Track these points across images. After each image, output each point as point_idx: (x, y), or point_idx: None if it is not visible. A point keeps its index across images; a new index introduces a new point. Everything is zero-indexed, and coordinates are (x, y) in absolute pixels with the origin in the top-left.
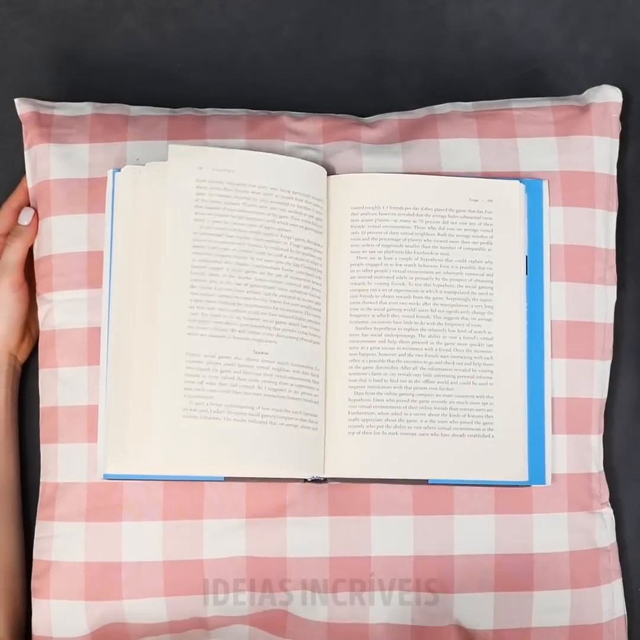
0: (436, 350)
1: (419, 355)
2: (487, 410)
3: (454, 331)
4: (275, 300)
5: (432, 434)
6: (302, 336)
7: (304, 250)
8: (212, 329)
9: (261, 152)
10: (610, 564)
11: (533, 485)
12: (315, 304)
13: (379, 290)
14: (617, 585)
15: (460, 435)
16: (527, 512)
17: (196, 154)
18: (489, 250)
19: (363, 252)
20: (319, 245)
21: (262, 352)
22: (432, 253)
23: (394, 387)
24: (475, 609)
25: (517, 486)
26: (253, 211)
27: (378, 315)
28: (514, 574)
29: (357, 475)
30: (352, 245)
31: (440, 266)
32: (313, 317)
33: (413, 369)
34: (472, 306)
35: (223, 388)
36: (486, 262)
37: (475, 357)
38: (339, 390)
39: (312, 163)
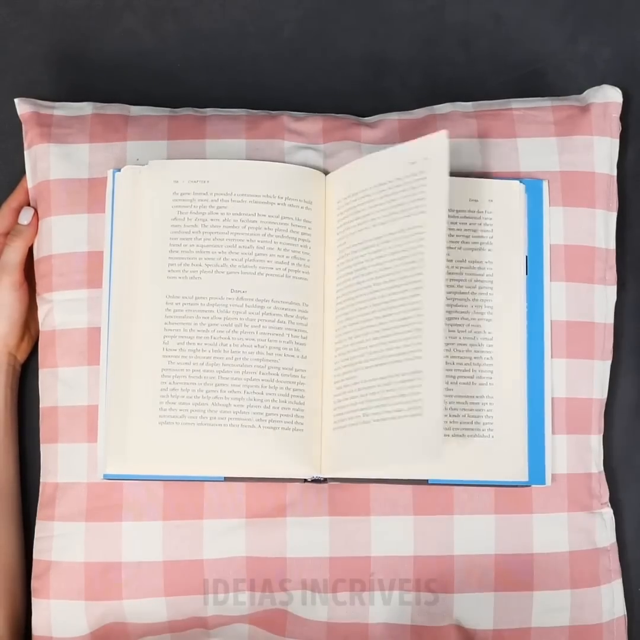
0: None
1: None
2: (487, 411)
3: (454, 331)
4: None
5: None
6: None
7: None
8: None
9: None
10: (610, 564)
11: (533, 485)
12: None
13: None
14: (617, 585)
15: (461, 435)
16: (527, 512)
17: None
18: (489, 250)
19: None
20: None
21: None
22: None
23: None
24: (475, 608)
25: (517, 486)
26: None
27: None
28: (514, 574)
29: (358, 474)
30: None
31: None
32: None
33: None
34: (472, 306)
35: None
36: (486, 262)
37: (475, 357)
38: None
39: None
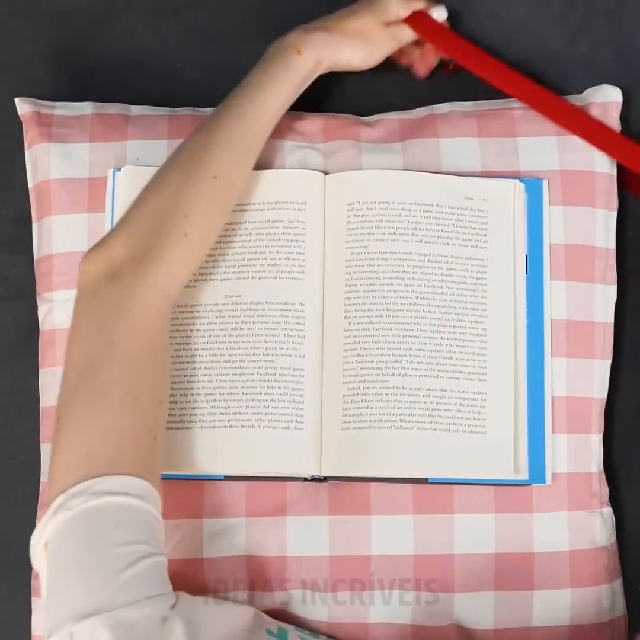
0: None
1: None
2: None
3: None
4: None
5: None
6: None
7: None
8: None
9: None
10: (611, 563)
11: (533, 485)
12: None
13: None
14: (617, 585)
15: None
16: (527, 511)
17: None
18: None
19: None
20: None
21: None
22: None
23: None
24: (475, 608)
25: (518, 485)
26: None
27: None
28: (515, 573)
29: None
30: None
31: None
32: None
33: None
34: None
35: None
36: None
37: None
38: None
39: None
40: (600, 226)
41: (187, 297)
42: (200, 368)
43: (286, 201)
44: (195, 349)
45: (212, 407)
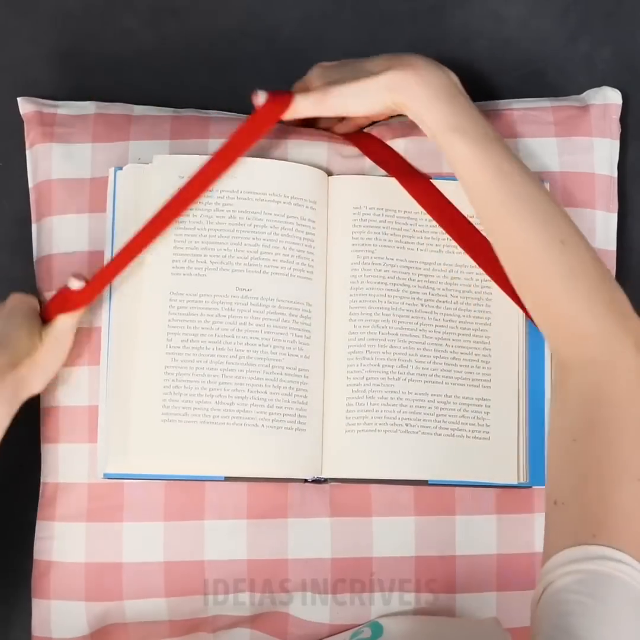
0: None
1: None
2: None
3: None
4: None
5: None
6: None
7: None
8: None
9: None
10: None
11: (534, 486)
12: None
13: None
14: None
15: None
16: (528, 511)
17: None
18: None
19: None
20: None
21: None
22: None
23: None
24: (477, 609)
25: (519, 488)
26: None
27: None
28: (516, 574)
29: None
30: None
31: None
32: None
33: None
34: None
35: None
36: None
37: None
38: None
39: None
40: (599, 228)
41: (196, 286)
42: (207, 361)
43: (300, 197)
44: (202, 341)
45: (217, 402)
